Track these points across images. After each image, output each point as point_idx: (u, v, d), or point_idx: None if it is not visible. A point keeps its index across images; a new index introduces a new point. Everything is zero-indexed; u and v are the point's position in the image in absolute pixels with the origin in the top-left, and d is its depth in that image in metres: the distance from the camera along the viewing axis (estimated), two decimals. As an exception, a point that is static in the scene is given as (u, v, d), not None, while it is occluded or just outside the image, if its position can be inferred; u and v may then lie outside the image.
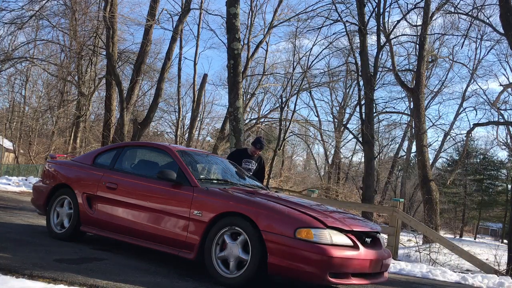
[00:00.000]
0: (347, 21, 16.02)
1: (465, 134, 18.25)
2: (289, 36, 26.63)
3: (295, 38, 18.99)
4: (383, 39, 16.43)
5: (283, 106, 19.28)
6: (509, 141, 30.68)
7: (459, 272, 7.40)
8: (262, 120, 25.03)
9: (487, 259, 9.92)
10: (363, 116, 15.63)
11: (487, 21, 16.90)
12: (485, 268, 7.81)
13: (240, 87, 9.11)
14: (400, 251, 9.67)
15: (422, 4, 16.34)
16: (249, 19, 19.79)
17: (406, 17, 17.32)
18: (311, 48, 38.93)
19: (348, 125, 28.64)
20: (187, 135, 23.57)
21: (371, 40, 23.80)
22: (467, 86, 28.61)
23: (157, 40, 33.01)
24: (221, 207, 4.05)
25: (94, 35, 20.53)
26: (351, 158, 35.11)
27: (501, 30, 12.03)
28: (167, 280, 3.84)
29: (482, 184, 40.08)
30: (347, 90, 32.89)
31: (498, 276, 6.93)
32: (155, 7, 17.43)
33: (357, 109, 20.35)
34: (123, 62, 19.95)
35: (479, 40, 23.48)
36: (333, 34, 35.88)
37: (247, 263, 3.77)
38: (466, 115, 39.88)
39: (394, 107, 26.30)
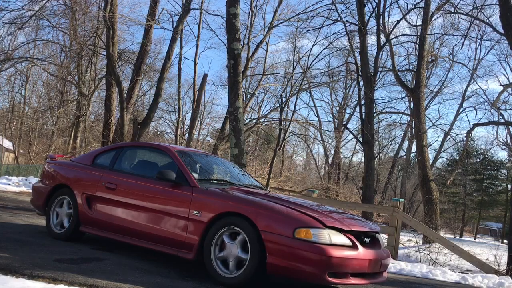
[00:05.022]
0: (347, 21, 16.01)
1: (465, 134, 18.26)
2: (289, 36, 26.65)
3: (295, 38, 18.96)
4: (383, 39, 16.41)
5: (283, 106, 19.25)
6: (509, 141, 30.73)
7: (459, 272, 7.40)
8: (262, 120, 25.02)
9: (487, 259, 9.92)
10: (363, 116, 15.61)
11: (487, 21, 16.90)
12: (485, 268, 7.81)
13: (240, 87, 9.10)
14: (400, 251, 9.67)
15: (422, 4, 16.32)
16: (249, 19, 19.75)
17: (406, 17, 17.30)
18: (311, 48, 39.00)
19: (348, 125, 28.65)
20: (187, 135, 23.56)
21: (371, 40, 23.83)
22: (467, 86, 28.63)
23: (157, 40, 32.98)
24: (220, 207, 4.05)
25: (94, 35, 20.52)
26: (351, 158, 35.17)
27: (501, 30, 12.03)
28: (167, 280, 3.85)
29: (482, 184, 40.12)
30: (347, 90, 32.94)
31: (498, 276, 6.94)
32: (155, 7, 17.41)
33: (357, 109, 20.38)
34: (123, 62, 19.95)
35: (479, 40, 23.48)
36: (333, 34, 35.83)
37: (246, 263, 3.78)
38: (466, 115, 39.88)
39: (394, 107, 26.28)
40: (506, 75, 39.89)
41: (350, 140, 32.56)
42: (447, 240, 8.51)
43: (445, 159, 38.65)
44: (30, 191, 6.45)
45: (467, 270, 8.58)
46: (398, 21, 17.11)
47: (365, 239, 4.04)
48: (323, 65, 38.00)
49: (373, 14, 15.90)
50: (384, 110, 23.08)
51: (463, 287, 6.28)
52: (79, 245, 4.92)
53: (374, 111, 16.96)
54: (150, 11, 17.51)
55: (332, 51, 21.33)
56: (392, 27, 17.48)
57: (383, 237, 7.19)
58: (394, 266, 6.86)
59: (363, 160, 21.77)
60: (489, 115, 25.31)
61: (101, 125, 21.67)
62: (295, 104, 20.75)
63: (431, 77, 27.95)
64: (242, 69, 11.05)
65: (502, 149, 36.06)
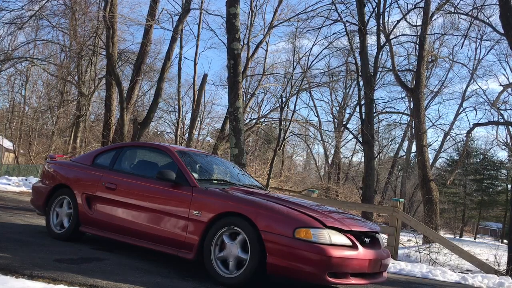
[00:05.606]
0: (347, 21, 16.01)
1: (465, 134, 18.27)
2: (289, 36, 26.61)
3: (295, 38, 18.95)
4: (383, 39, 16.42)
5: (283, 106, 19.24)
6: (509, 141, 30.73)
7: (459, 272, 7.40)
8: (262, 120, 25.00)
9: (487, 259, 9.92)
10: (363, 116, 15.61)
11: (487, 21, 16.92)
12: (485, 268, 7.81)
13: (240, 87, 9.11)
14: (400, 251, 9.67)
15: (422, 4, 16.32)
16: (249, 19, 19.75)
17: (406, 17, 17.30)
18: (311, 48, 38.94)
19: (348, 125, 28.66)
20: (187, 135, 23.58)
21: (371, 40, 23.75)
22: (467, 86, 28.66)
23: (157, 40, 32.95)
24: (220, 207, 4.05)
25: (94, 35, 20.52)
26: (351, 158, 35.18)
27: (501, 30, 12.04)
28: (167, 280, 3.85)
29: (482, 184, 40.09)
30: (347, 90, 32.95)
31: (498, 276, 6.94)
32: (155, 7, 17.41)
33: (357, 109, 20.32)
34: (123, 62, 19.94)
35: (479, 40, 23.55)
36: (333, 34, 35.77)
37: (246, 263, 3.77)
38: (466, 115, 39.94)
39: (394, 107, 26.31)
40: (506, 75, 39.93)
41: (350, 140, 32.60)
42: (447, 240, 8.50)
43: (445, 159, 38.72)
44: (30, 191, 6.45)
45: (467, 270, 8.58)
46: (398, 21, 17.13)
47: (365, 239, 4.04)
48: (323, 65, 37.88)
49: (373, 14, 15.91)
50: (384, 110, 23.09)
51: (463, 287, 6.28)
52: (79, 245, 4.92)
53: (374, 111, 16.97)
54: (150, 11, 17.50)
55: (332, 51, 21.36)
56: (392, 27, 17.50)
57: (383, 237, 7.19)
58: (394, 266, 6.86)
59: (363, 160, 21.77)
60: (489, 115, 25.36)
61: (101, 125, 21.67)
62: (295, 104, 20.75)
63: (431, 77, 28.01)
64: (242, 69, 11.05)
65: (502, 149, 36.05)
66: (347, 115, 32.93)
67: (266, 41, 20.89)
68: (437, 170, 35.78)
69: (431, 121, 24.95)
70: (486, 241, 24.44)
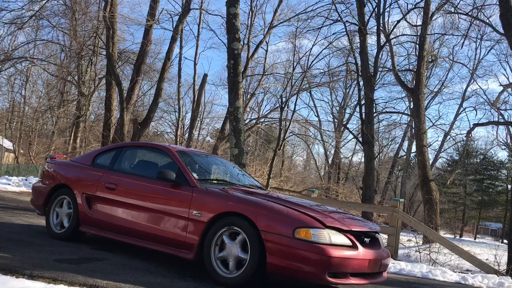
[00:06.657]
0: (347, 21, 15.99)
1: (465, 134, 18.33)
2: (289, 36, 26.61)
3: (295, 38, 18.93)
4: (383, 39, 16.41)
5: (283, 106, 19.22)
6: (509, 141, 30.74)
7: (459, 272, 7.40)
8: (262, 120, 25.00)
9: (487, 259, 9.92)
10: (363, 116, 15.60)
11: (487, 21, 16.91)
12: (485, 268, 7.81)
13: (240, 87, 9.10)
14: (400, 251, 9.67)
15: (422, 4, 16.33)
16: (249, 19, 19.77)
17: (406, 17, 17.30)
18: (311, 48, 38.72)
19: (348, 125, 28.67)
20: (187, 135, 23.59)
21: (371, 40, 23.76)
22: (467, 86, 28.72)
23: (157, 40, 32.94)
24: (220, 207, 4.05)
25: (94, 35, 20.51)
26: (351, 158, 35.20)
27: (501, 30, 12.05)
28: (167, 280, 3.85)
29: (482, 184, 40.11)
30: (347, 90, 32.96)
31: (498, 276, 6.94)
32: (155, 7, 17.42)
33: (357, 109, 20.34)
34: (123, 62, 19.94)
35: (479, 40, 23.55)
36: (333, 34, 35.79)
37: (246, 262, 3.77)
38: (466, 115, 39.96)
39: (394, 107, 26.29)
40: (506, 75, 39.95)
41: (350, 140, 32.63)
42: (447, 240, 8.50)
43: (445, 159, 38.75)
44: (30, 191, 6.46)
45: (467, 270, 8.58)
46: (398, 21, 17.10)
47: (365, 239, 4.04)
48: (323, 65, 37.89)
49: (373, 14, 15.90)
50: (384, 110, 23.07)
51: (463, 287, 6.28)
52: (79, 245, 4.92)
53: (374, 111, 16.95)
54: (150, 11, 17.51)
55: (332, 51, 21.34)
56: (392, 27, 17.48)
57: (383, 237, 7.20)
58: (394, 266, 6.86)
59: (363, 160, 21.78)
60: (489, 115, 25.40)
61: (101, 125, 21.66)
62: (295, 104, 20.71)
63: (431, 77, 28.03)
64: (242, 69, 11.05)
65: (502, 149, 36.09)
66: (347, 115, 32.99)
67: (266, 41, 20.92)
68: (437, 170, 35.80)
69: (431, 121, 25.02)
70: (486, 241, 24.46)
